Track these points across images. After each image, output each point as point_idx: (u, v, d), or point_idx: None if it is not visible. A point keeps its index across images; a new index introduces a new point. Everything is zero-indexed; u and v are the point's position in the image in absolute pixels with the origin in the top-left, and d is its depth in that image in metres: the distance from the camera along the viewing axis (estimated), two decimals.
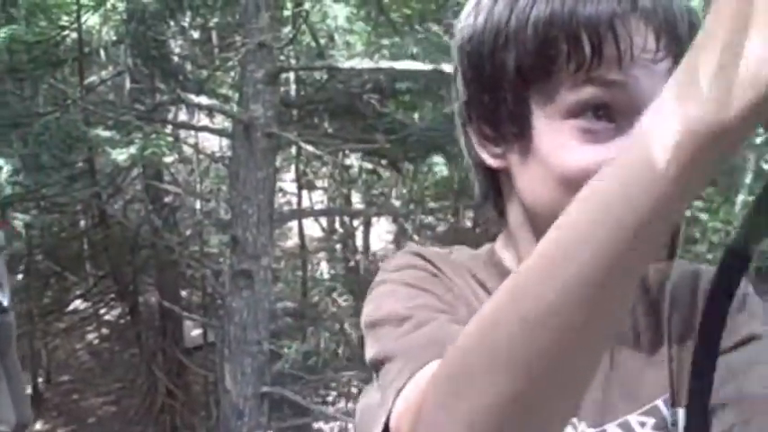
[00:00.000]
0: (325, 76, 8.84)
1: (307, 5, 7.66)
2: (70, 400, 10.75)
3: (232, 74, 9.75)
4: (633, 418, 0.93)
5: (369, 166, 7.19)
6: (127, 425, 10.80)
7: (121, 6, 9.32)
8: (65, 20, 9.55)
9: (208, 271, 9.15)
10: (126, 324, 12.20)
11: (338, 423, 8.94)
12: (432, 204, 11.24)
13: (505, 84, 0.92)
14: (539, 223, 0.94)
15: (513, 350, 0.58)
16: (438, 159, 8.15)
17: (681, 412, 0.93)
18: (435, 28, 7.82)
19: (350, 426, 8.17)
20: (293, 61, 8.51)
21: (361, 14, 9.01)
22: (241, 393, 6.89)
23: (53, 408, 10.63)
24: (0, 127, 8.00)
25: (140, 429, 10.47)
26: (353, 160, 7.37)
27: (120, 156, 9.21)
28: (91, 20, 9.55)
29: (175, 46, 10.14)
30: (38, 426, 9.90)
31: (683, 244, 0.96)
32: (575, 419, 0.96)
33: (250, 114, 6.54)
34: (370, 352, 0.90)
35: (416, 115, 8.49)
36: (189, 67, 9.89)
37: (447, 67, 5.69)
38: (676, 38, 0.86)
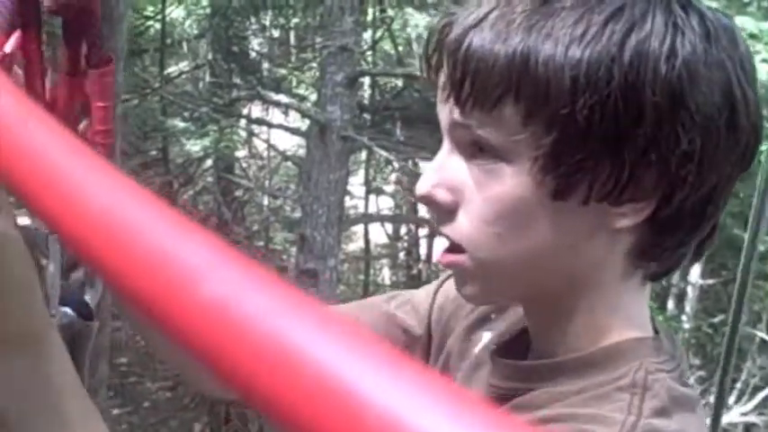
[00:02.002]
0: (402, 84, 8.86)
1: (390, 12, 7.70)
2: (128, 382, 10.89)
3: (309, 74, 9.82)
4: None
5: None
6: (181, 411, 10.93)
7: (206, 1, 9.46)
8: (150, 10, 9.73)
9: (272, 267, 9.20)
10: None
11: None
12: None
13: None
14: None
15: None
16: None
17: None
18: None
19: None
20: (372, 66, 8.55)
21: None
22: None
23: (111, 388, 10.80)
24: None
25: (193, 417, 10.59)
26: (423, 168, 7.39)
27: (194, 147, 9.35)
28: (175, 12, 9.71)
29: (255, 43, 10.26)
30: None
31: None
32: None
33: (327, 116, 6.58)
34: None
35: None
36: (266, 64, 10.00)
37: None
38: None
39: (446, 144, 0.80)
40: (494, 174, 0.75)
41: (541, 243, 0.76)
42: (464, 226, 0.78)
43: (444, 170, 0.79)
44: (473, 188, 0.77)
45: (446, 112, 0.78)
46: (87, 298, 0.91)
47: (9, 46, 0.77)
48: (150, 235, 0.42)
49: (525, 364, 0.84)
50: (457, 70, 0.75)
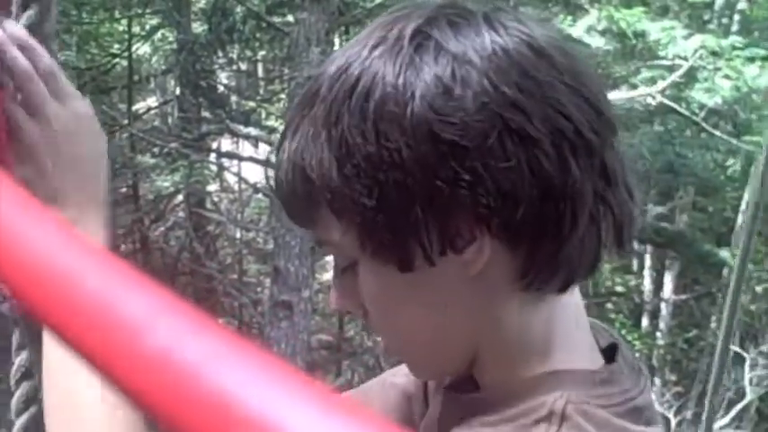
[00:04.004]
0: None
1: None
2: None
3: (278, 106, 9.84)
4: None
5: None
6: None
7: (172, 37, 9.48)
8: (116, 48, 9.74)
9: (246, 300, 9.18)
10: None
11: None
12: None
13: None
14: None
15: None
16: None
17: None
18: None
19: None
20: None
21: None
22: None
23: None
24: None
25: None
26: None
27: (165, 182, 9.33)
28: (141, 49, 9.72)
29: (222, 77, 10.28)
30: None
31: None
32: None
33: None
34: None
35: None
36: (234, 98, 10.02)
37: None
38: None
39: None
40: (356, 273, 0.77)
41: (423, 315, 0.77)
42: (374, 324, 0.81)
43: (340, 281, 0.81)
44: (357, 291, 0.78)
45: None
46: None
47: None
48: (94, 286, 0.42)
49: (464, 396, 0.84)
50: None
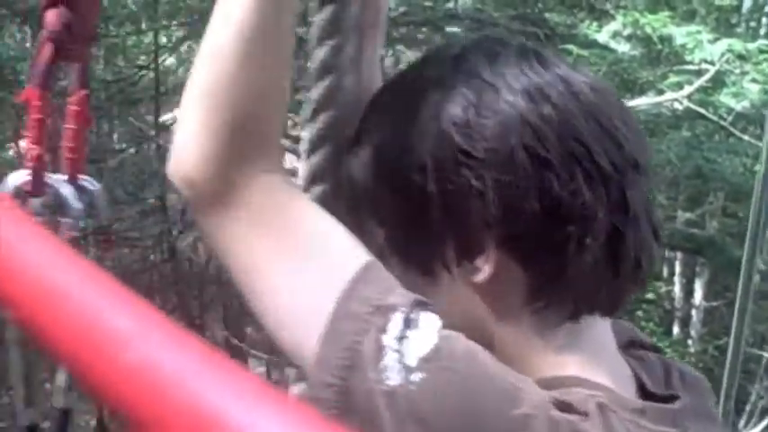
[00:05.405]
0: None
1: (381, 51, 7.74)
2: None
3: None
4: None
5: None
6: None
7: (198, 48, 9.51)
8: (142, 60, 9.78)
9: None
10: None
11: None
12: None
13: None
14: None
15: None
16: None
17: None
18: None
19: None
20: None
21: None
22: None
23: None
24: None
25: None
26: None
27: None
28: (168, 60, 9.76)
29: None
30: None
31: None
32: None
33: None
34: None
35: None
36: None
37: None
38: None
39: None
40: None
41: (447, 314, 0.78)
42: None
43: None
44: None
45: None
46: None
47: None
48: (79, 300, 0.43)
49: None
50: None
